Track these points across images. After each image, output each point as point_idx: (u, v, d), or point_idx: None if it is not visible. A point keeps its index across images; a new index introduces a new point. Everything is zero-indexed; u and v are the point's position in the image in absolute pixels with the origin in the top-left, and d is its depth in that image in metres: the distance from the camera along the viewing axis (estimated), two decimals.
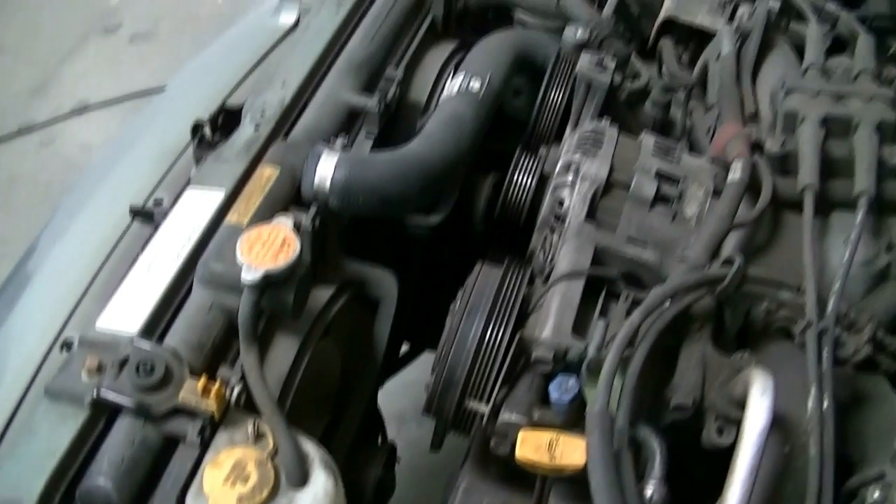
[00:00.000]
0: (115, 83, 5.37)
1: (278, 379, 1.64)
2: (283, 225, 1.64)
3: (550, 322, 1.60)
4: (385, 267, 1.99)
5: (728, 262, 1.63)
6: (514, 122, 2.27)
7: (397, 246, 2.13)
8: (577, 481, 1.61)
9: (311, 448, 1.49)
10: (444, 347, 1.62)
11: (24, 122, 5.22)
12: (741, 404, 1.47)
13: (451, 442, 2.54)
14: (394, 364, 2.49)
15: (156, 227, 1.82)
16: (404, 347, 2.60)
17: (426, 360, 2.55)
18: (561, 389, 1.48)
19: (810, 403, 1.51)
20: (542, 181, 2.02)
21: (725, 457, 1.47)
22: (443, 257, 2.23)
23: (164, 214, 1.84)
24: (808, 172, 1.83)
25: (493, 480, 1.74)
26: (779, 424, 1.48)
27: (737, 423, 1.51)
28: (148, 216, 1.91)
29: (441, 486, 1.89)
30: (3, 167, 4.97)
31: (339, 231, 1.92)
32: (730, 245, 1.80)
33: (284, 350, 1.68)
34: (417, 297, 2.18)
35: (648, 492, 1.42)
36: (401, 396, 2.72)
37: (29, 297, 1.92)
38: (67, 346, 1.61)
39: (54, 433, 1.49)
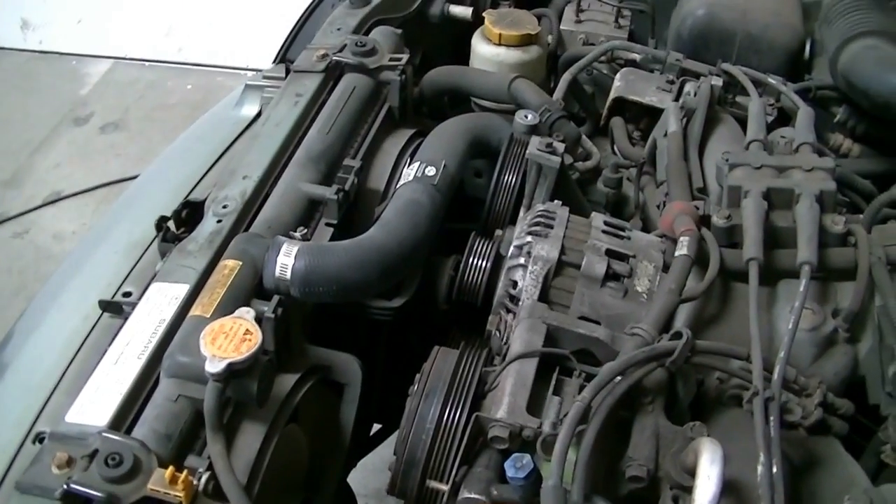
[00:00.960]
0: (88, 172, 5.44)
1: (246, 465, 1.67)
2: (245, 316, 1.69)
3: (505, 402, 1.64)
4: (349, 352, 2.03)
5: (677, 335, 1.68)
6: (476, 202, 2.32)
7: (362, 330, 2.18)
8: None
9: None
10: (405, 429, 1.67)
11: None
12: (693, 473, 1.52)
13: None
14: (364, 445, 2.52)
15: (124, 320, 1.86)
16: (376, 426, 2.63)
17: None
18: (516, 467, 1.53)
19: (760, 469, 1.56)
20: (498, 262, 2.08)
21: None
22: (408, 338, 2.28)
23: (132, 307, 1.88)
24: (752, 245, 1.89)
25: None
26: (731, 491, 1.54)
27: (691, 492, 1.55)
28: (117, 309, 1.96)
29: None
30: None
31: (302, 318, 1.97)
32: (680, 318, 1.86)
33: (251, 437, 1.71)
34: (385, 378, 2.22)
35: None
36: (379, 473, 2.74)
37: (3, 390, 1.96)
38: (40, 439, 1.65)
39: None
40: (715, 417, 1.77)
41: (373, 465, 2.57)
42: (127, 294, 1.99)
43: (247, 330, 1.65)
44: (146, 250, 2.15)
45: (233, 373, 1.61)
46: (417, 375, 1.73)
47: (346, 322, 2.14)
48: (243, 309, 1.73)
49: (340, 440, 2.02)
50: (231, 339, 1.63)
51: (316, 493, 2.01)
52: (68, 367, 1.91)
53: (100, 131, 5.92)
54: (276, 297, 1.82)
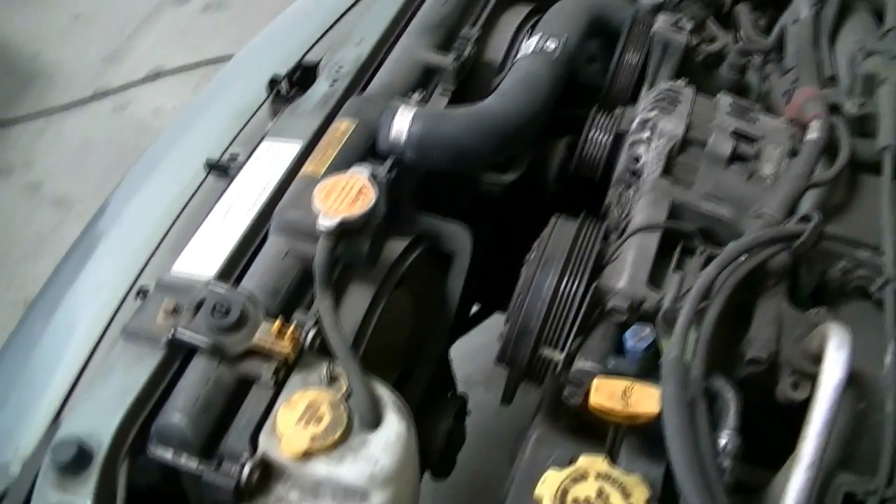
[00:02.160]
0: (188, 52, 5.41)
1: (352, 326, 1.64)
2: (360, 174, 1.65)
3: (626, 273, 1.60)
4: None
5: (805, 218, 1.61)
6: (587, 89, 2.25)
7: (470, 204, 2.13)
8: (649, 434, 1.62)
9: (384, 392, 1.50)
10: (519, 297, 1.62)
11: (99, 87, 5.27)
12: (817, 359, 1.46)
13: (517, 404, 2.55)
14: (464, 324, 2.49)
15: (231, 180, 1.83)
16: (474, 309, 2.60)
17: (493, 325, 2.55)
18: (636, 338, 1.48)
19: (887, 359, 1.50)
20: (618, 139, 2.02)
21: (798, 414, 1.46)
22: (514, 219, 2.23)
23: (240, 167, 1.85)
24: (887, 133, 1.81)
25: (564, 433, 1.73)
26: (855, 380, 1.47)
27: (812, 378, 1.49)
28: (223, 170, 1.93)
29: (507, 450, 1.89)
30: (77, 131, 5.03)
31: (413, 186, 1.93)
32: (807, 203, 1.77)
33: (358, 299, 1.68)
34: (488, 257, 2.17)
35: (722, 441, 1.41)
36: (468, 361, 2.73)
37: (104, 250, 1.95)
38: (143, 293, 1.63)
39: (130, 372, 1.51)
40: (837, 307, 1.69)
41: (463, 353, 2.53)
42: (234, 155, 1.95)
43: (361, 188, 1.61)
44: (254, 114, 2.11)
45: (345, 230, 1.58)
46: (535, 243, 1.68)
47: (455, 194, 2.09)
48: (358, 167, 1.69)
49: (445, 312, 1.98)
50: (345, 197, 1.59)
51: (416, 365, 1.98)
52: (171, 226, 1.89)
53: (202, 11, 5.88)
54: (390, 159, 1.78)
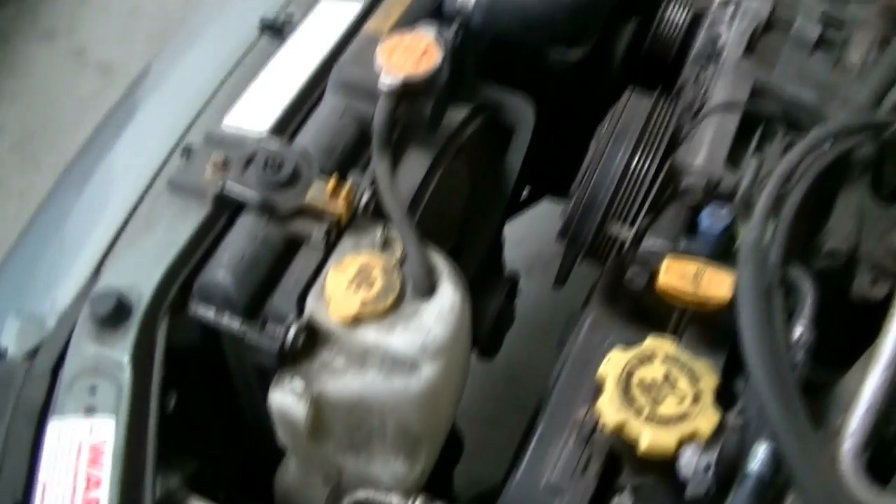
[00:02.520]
0: None
1: (408, 191, 1.57)
2: (426, 34, 1.56)
3: (704, 151, 1.51)
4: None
5: None
6: None
7: (533, 79, 2.03)
8: (713, 326, 1.54)
9: (440, 260, 1.43)
10: (588, 170, 1.54)
11: None
12: None
13: (556, 293, 2.47)
14: (516, 205, 2.40)
15: (287, 39, 1.75)
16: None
17: (537, 214, 2.48)
18: (712, 218, 1.39)
19: None
20: (695, 19, 1.91)
21: (871, 315, 1.39)
22: (576, 99, 2.14)
23: (296, 27, 1.76)
24: None
25: (622, 317, 1.65)
26: None
27: (893, 277, 1.41)
28: (278, 30, 1.83)
29: (549, 341, 1.83)
30: None
31: (478, 53, 1.83)
32: None
33: (416, 164, 1.60)
34: (545, 137, 2.08)
35: (797, 333, 1.33)
36: (512, 248, 2.64)
37: (150, 108, 1.86)
38: (189, 151, 1.55)
39: (175, 226, 1.45)
40: None
41: (506, 240, 2.45)
42: (290, 15, 1.85)
43: (426, 48, 1.53)
44: None
45: (407, 90, 1.50)
46: (608, 114, 1.59)
47: (519, 66, 1.99)
48: (425, 27, 1.61)
49: (502, 187, 1.90)
50: (409, 56, 1.52)
51: (468, 240, 1.90)
52: (222, 84, 1.79)
53: None
54: (457, 21, 1.69)
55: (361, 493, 1.42)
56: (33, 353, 1.40)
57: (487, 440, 2.62)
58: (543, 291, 3.01)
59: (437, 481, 1.94)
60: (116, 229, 1.58)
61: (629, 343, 1.36)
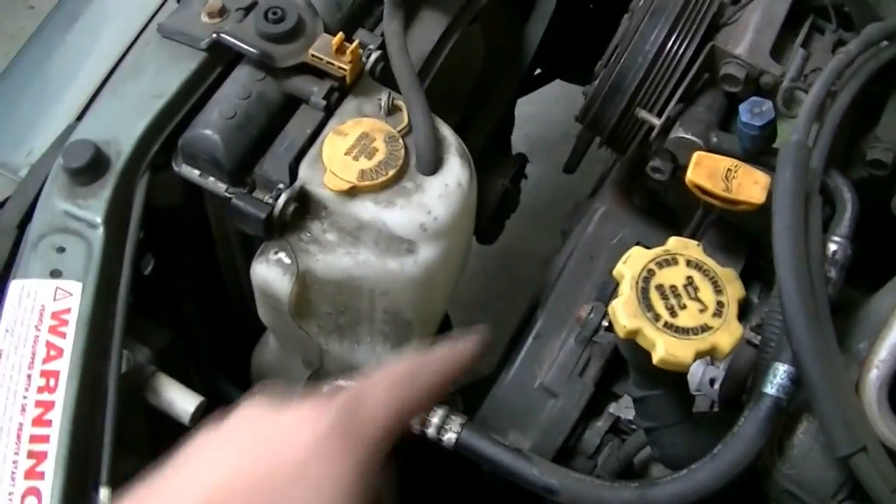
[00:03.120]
0: None
1: (420, 56, 1.45)
2: None
3: (747, 38, 1.38)
4: None
5: None
6: None
7: None
8: (731, 230, 1.44)
9: (448, 134, 1.31)
10: (618, 49, 1.41)
11: None
12: None
13: (557, 180, 2.36)
14: (529, 82, 2.28)
15: None
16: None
17: (544, 94, 2.36)
18: (753, 112, 1.26)
19: None
20: None
21: None
22: None
23: None
24: None
25: (635, 212, 1.56)
26: None
27: None
28: None
29: (544, 228, 1.73)
30: None
31: None
32: None
33: (430, 27, 1.48)
34: (569, 15, 1.95)
35: (832, 248, 1.22)
36: (515, 129, 2.55)
37: None
38: None
39: (163, 76, 1.33)
40: None
41: None
42: None
43: None
44: None
45: None
46: None
47: None
48: None
49: (519, 61, 1.79)
50: None
51: (478, 114, 1.78)
52: None
53: None
54: None
55: (343, 381, 1.33)
56: (0, 206, 1.29)
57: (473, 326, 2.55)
58: (544, 176, 2.92)
59: None
60: (103, 76, 1.48)
61: (641, 240, 1.24)
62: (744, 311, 1.40)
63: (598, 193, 1.62)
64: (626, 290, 1.12)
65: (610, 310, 1.13)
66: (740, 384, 1.33)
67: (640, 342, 1.11)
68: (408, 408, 0.88)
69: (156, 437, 1.34)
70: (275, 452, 0.80)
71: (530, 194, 3.05)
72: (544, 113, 2.17)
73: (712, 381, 1.41)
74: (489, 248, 2.12)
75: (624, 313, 1.11)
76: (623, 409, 1.46)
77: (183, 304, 1.52)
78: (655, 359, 1.10)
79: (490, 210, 1.81)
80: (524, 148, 3.12)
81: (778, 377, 1.16)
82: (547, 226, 1.68)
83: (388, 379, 0.90)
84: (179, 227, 1.46)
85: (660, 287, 1.13)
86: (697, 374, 1.42)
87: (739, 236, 1.47)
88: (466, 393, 1.63)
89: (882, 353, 1.17)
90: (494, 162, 1.85)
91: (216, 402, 1.42)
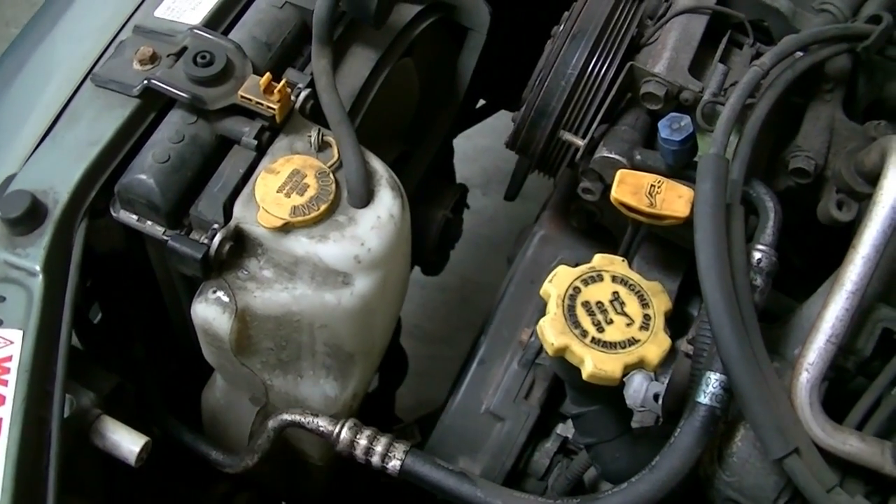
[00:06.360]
0: None
1: (350, 93, 1.47)
2: None
3: (665, 57, 1.41)
4: None
5: (874, 19, 1.42)
6: None
7: None
8: (666, 244, 1.46)
9: (379, 166, 1.33)
10: (541, 73, 1.43)
11: None
12: (870, 177, 1.30)
13: (515, 211, 2.38)
14: (468, 116, 2.30)
15: None
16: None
17: (495, 126, 2.38)
18: (672, 128, 1.28)
19: None
20: None
21: (836, 239, 1.31)
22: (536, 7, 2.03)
23: None
24: None
25: (573, 234, 1.58)
26: None
27: (860, 199, 1.33)
28: None
29: (501, 257, 1.75)
30: None
31: None
32: (875, 4, 1.57)
33: (360, 63, 1.50)
34: (502, 45, 1.97)
35: (756, 256, 1.24)
36: (469, 162, 2.58)
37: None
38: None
39: (98, 122, 1.34)
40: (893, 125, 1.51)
41: (463, 153, 2.37)
42: None
43: None
44: None
45: None
46: (564, 14, 1.48)
47: None
48: None
49: (455, 91, 1.80)
50: None
51: (417, 147, 1.80)
52: None
53: None
54: None
55: (287, 416, 1.34)
56: None
57: (440, 360, 2.57)
58: (500, 208, 2.95)
59: (378, 403, 1.87)
60: (45, 127, 1.48)
61: (581, 261, 1.26)
62: (684, 325, 1.43)
63: (538, 218, 1.64)
64: (553, 309, 1.15)
65: (538, 329, 1.15)
66: (682, 397, 1.35)
67: (569, 359, 1.13)
68: None
69: (111, 481, 1.35)
70: None
71: (487, 226, 3.09)
72: (498, 146, 2.18)
73: (656, 396, 1.43)
74: (449, 281, 2.14)
75: (551, 331, 1.13)
76: (571, 429, 1.48)
77: (133, 347, 1.53)
78: (585, 374, 1.12)
79: (433, 241, 1.82)
80: (480, 180, 3.17)
81: (710, 386, 1.18)
82: (505, 257, 1.71)
83: None
84: (124, 272, 1.48)
85: (586, 304, 1.15)
86: (641, 389, 1.43)
87: (677, 252, 1.49)
88: (423, 424, 1.65)
89: (811, 357, 1.19)
90: (435, 193, 1.86)
91: (168, 443, 1.44)
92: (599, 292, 1.17)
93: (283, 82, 1.31)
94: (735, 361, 1.14)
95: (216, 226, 1.25)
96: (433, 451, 1.45)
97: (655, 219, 1.29)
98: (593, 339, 1.12)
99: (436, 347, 2.85)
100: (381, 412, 1.97)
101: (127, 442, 1.24)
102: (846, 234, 1.28)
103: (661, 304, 1.17)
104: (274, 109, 1.30)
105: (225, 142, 1.33)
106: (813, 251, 1.51)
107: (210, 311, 1.27)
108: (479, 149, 2.87)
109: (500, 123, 2.36)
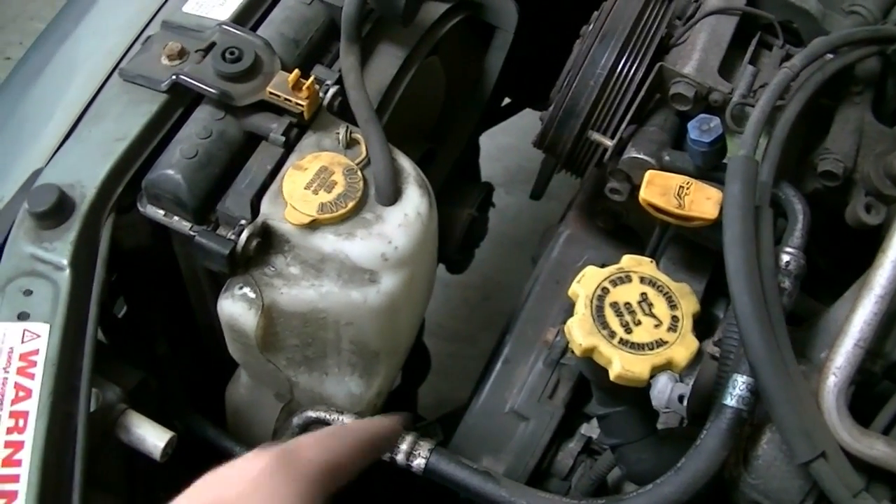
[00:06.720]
0: None
1: (378, 90, 1.47)
2: None
3: (695, 58, 1.40)
4: None
5: None
6: None
7: None
8: (697, 247, 1.46)
9: (406, 164, 1.33)
10: (570, 73, 1.43)
11: None
12: None
13: (539, 210, 2.37)
14: (496, 114, 2.30)
15: None
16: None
17: (520, 125, 2.38)
18: (702, 129, 1.28)
19: None
20: None
21: (865, 242, 1.30)
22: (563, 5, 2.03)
23: None
24: None
25: (599, 234, 1.58)
26: None
27: (889, 202, 1.33)
28: None
29: (527, 258, 1.75)
30: None
31: None
32: None
33: (388, 61, 1.50)
34: (529, 43, 1.97)
35: (785, 258, 1.24)
36: (492, 161, 2.57)
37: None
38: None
39: (125, 118, 1.34)
40: None
41: (486, 152, 2.36)
42: None
43: None
44: None
45: None
46: (594, 14, 1.48)
47: None
48: None
49: (481, 90, 1.80)
50: None
51: (443, 145, 1.80)
52: None
53: None
54: None
55: (312, 413, 1.34)
56: None
57: (461, 358, 2.57)
58: (524, 207, 2.95)
59: (400, 401, 1.87)
60: (72, 121, 1.48)
61: (606, 262, 1.26)
62: (708, 327, 1.42)
63: (563, 218, 1.64)
64: (581, 309, 1.14)
65: (565, 329, 1.15)
66: (707, 399, 1.35)
67: (596, 359, 1.13)
68: (336, 459, 0.93)
69: (133, 476, 1.36)
70: (219, 489, 0.86)
71: (511, 225, 3.08)
72: (522, 144, 2.18)
73: (681, 398, 1.42)
74: (472, 279, 2.14)
75: (579, 332, 1.13)
76: (595, 429, 1.47)
77: (157, 343, 1.53)
78: (612, 375, 1.11)
79: (457, 239, 1.82)
80: (503, 179, 3.17)
81: (737, 389, 1.18)
82: (528, 255, 1.71)
83: (317, 435, 0.97)
84: (149, 268, 1.48)
85: (614, 304, 1.15)
86: (666, 391, 1.43)
87: (702, 253, 1.48)
88: (445, 422, 1.65)
89: (838, 360, 1.19)
90: (460, 191, 1.86)
91: (191, 439, 1.44)
92: (628, 293, 1.16)
93: (311, 79, 1.31)
94: (763, 364, 1.13)
95: (243, 222, 1.25)
96: (456, 450, 1.44)
97: (684, 220, 1.28)
98: (621, 339, 1.12)
99: (457, 346, 2.85)
100: (403, 410, 1.97)
101: (152, 437, 1.24)
102: (874, 238, 1.28)
103: (689, 305, 1.17)
104: (302, 106, 1.30)
105: (252, 138, 1.33)
106: (839, 254, 1.50)
107: (236, 308, 1.27)
108: (503, 147, 2.86)
109: (524, 122, 2.37)
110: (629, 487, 1.40)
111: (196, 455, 1.46)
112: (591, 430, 1.47)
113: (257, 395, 1.49)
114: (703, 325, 1.42)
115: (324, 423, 1.34)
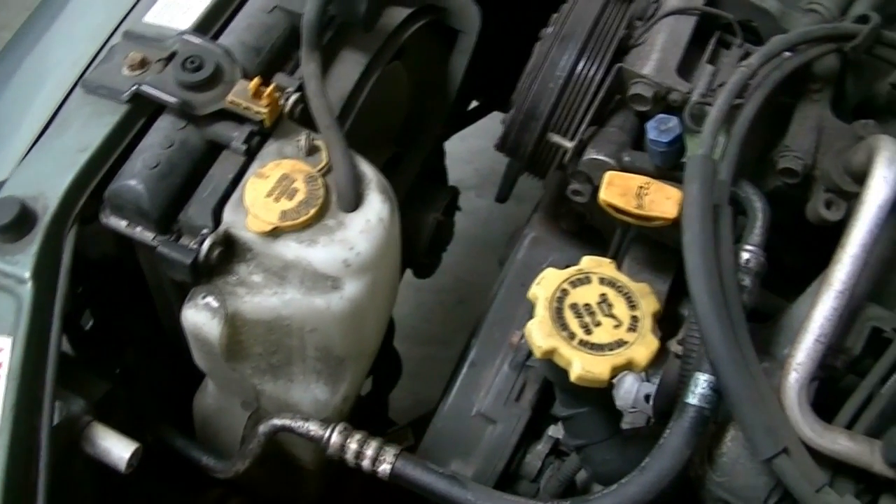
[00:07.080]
0: None
1: (340, 96, 1.47)
2: None
3: (654, 58, 1.41)
4: None
5: (862, 19, 1.42)
6: None
7: None
8: (656, 245, 1.46)
9: (368, 170, 1.33)
10: (530, 76, 1.43)
11: None
12: (858, 176, 1.30)
13: (509, 212, 2.38)
14: (461, 118, 2.30)
15: None
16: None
17: (490, 128, 2.38)
18: (660, 129, 1.29)
19: None
20: None
21: (825, 239, 1.31)
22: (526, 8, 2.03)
23: None
24: None
25: (563, 236, 1.58)
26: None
27: (848, 198, 1.33)
28: None
29: (495, 259, 1.75)
30: None
31: None
32: (864, 4, 1.57)
33: (350, 66, 1.50)
34: (494, 46, 1.97)
35: (745, 256, 1.25)
36: (463, 164, 2.57)
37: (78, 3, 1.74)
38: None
39: (88, 129, 1.34)
40: (885, 125, 1.51)
41: (457, 155, 2.36)
42: None
43: None
44: None
45: None
46: (553, 16, 1.48)
47: None
48: None
49: (445, 94, 1.80)
50: None
51: (409, 149, 1.80)
52: None
53: None
54: None
55: (278, 420, 1.34)
56: None
57: (437, 361, 2.57)
58: (496, 209, 2.94)
59: (371, 407, 1.87)
60: (37, 133, 1.48)
61: (571, 263, 1.26)
62: (674, 325, 1.43)
63: (529, 220, 1.64)
64: (541, 311, 1.15)
65: (525, 331, 1.15)
66: (673, 398, 1.35)
67: (557, 361, 1.14)
68: None
69: (106, 489, 1.35)
70: None
71: (483, 227, 3.09)
72: (490, 146, 2.19)
73: (647, 397, 1.43)
74: (445, 282, 2.14)
75: (539, 334, 1.13)
76: (562, 430, 1.48)
77: (125, 354, 1.53)
78: (573, 376, 1.12)
79: (424, 243, 1.83)
80: (474, 182, 3.17)
81: (699, 387, 1.18)
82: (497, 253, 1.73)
83: None
84: (116, 278, 1.48)
85: (574, 306, 1.15)
86: (632, 390, 1.44)
87: (666, 252, 1.49)
88: (416, 426, 1.65)
89: (799, 357, 1.19)
90: (426, 195, 1.86)
91: (161, 450, 1.44)
92: (587, 294, 1.17)
93: (272, 87, 1.31)
94: (723, 362, 1.14)
95: (205, 231, 1.25)
96: (425, 455, 1.45)
97: (644, 220, 1.29)
98: (581, 341, 1.13)
99: (432, 349, 2.85)
100: (374, 415, 1.97)
101: (117, 448, 1.24)
102: (835, 234, 1.28)
103: (649, 305, 1.18)
104: (263, 114, 1.30)
105: (214, 147, 1.33)
106: (803, 251, 1.51)
107: (200, 317, 1.27)
108: (474, 150, 2.86)
109: (495, 125, 2.35)
110: (597, 488, 1.40)
111: (165, 465, 1.47)
112: (558, 431, 1.48)
113: (224, 403, 1.49)
114: (670, 324, 1.43)
115: (289, 430, 1.33)
